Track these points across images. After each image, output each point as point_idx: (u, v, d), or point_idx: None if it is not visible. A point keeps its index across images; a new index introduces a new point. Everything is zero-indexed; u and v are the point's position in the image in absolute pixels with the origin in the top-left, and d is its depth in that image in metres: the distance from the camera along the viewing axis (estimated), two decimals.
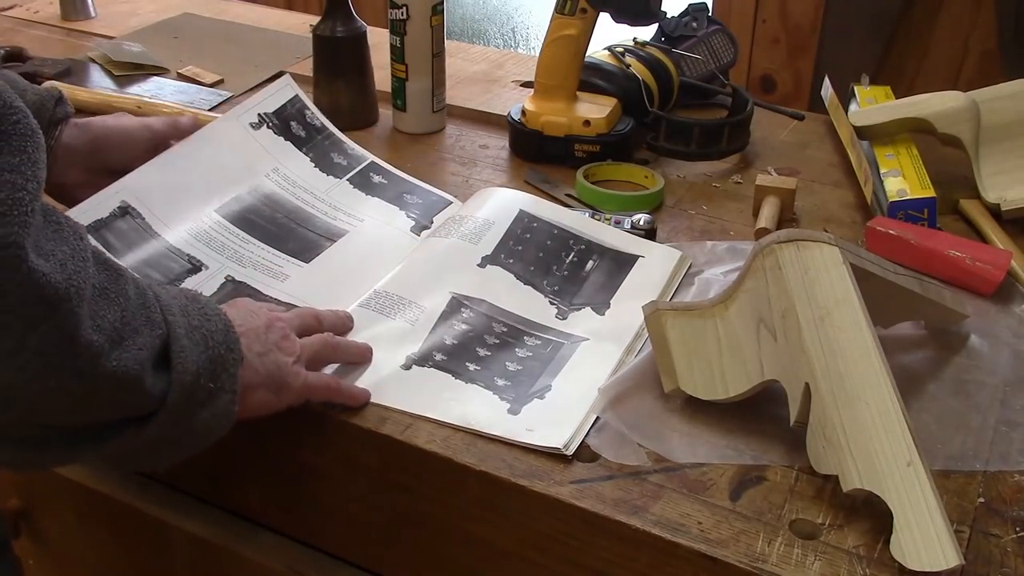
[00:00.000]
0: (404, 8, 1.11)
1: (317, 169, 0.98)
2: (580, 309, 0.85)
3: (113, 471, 0.90)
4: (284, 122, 0.99)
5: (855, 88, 1.18)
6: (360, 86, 1.16)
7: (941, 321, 0.83)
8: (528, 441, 0.70)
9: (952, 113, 1.02)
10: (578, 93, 1.11)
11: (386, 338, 0.80)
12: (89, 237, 0.58)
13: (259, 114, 0.98)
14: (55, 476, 0.91)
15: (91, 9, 1.55)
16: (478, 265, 0.87)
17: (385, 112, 1.20)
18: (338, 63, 1.14)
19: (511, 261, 0.88)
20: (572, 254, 0.90)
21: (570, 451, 0.70)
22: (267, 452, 0.79)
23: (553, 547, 0.69)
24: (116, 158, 0.87)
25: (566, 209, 0.97)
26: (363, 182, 0.99)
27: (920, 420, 0.72)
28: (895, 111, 1.05)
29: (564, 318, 0.84)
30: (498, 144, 1.16)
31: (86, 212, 0.83)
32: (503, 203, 0.95)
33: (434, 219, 0.97)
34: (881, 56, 1.49)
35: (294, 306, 0.82)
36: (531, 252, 0.90)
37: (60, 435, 0.59)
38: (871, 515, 0.64)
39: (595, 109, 1.09)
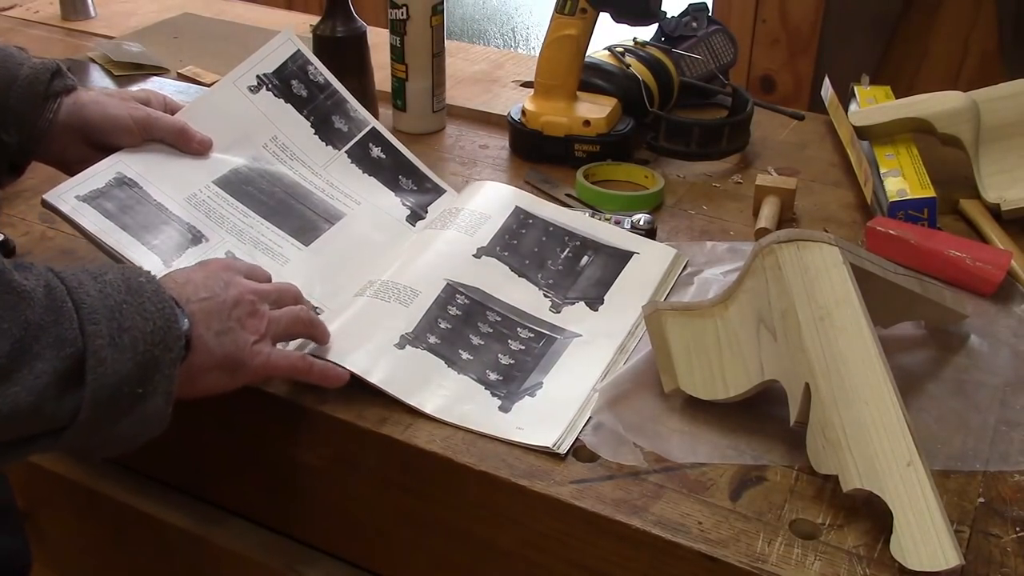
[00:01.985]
0: (404, 8, 1.11)
1: (317, 137, 0.96)
2: (574, 303, 0.85)
3: (111, 470, 0.90)
4: (285, 82, 0.96)
5: (855, 88, 1.18)
6: (360, 86, 1.16)
7: (941, 321, 0.83)
8: (518, 440, 0.71)
9: (952, 113, 1.02)
10: (578, 93, 1.11)
11: (381, 317, 0.80)
12: None
13: (258, 76, 0.95)
14: (55, 476, 0.91)
15: (91, 9, 1.55)
16: (473, 255, 0.88)
17: (385, 112, 1.20)
18: (338, 63, 1.14)
19: (506, 254, 0.89)
20: (567, 250, 0.91)
21: (562, 450, 0.70)
22: (267, 451, 0.79)
23: (553, 547, 0.69)
24: (111, 142, 0.86)
25: (561, 207, 0.97)
26: (362, 155, 0.98)
27: (920, 420, 0.72)
28: (895, 111, 1.05)
29: (558, 311, 0.84)
30: (498, 144, 1.16)
31: (83, 183, 0.82)
32: (499, 198, 0.95)
33: (429, 208, 0.97)
34: (881, 56, 1.49)
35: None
36: (526, 246, 0.90)
37: None
38: (871, 515, 0.64)
39: (595, 109, 1.09)
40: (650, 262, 0.91)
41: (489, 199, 0.95)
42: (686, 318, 0.74)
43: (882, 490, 0.61)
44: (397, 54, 1.14)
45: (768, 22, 1.56)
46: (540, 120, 1.09)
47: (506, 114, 1.14)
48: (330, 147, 0.96)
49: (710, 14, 1.25)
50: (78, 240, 0.87)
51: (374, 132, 1.00)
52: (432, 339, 0.79)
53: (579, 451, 0.70)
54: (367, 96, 1.18)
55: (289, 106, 0.96)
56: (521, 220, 0.93)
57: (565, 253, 0.90)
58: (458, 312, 0.82)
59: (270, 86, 0.95)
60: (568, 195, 1.03)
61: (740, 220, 1.00)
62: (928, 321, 0.83)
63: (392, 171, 0.98)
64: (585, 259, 0.90)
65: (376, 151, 0.99)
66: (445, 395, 0.75)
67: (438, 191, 0.99)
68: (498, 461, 0.69)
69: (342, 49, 1.14)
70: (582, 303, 0.85)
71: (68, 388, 0.58)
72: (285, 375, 0.72)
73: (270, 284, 0.75)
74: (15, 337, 0.55)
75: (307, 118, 0.96)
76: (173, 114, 0.90)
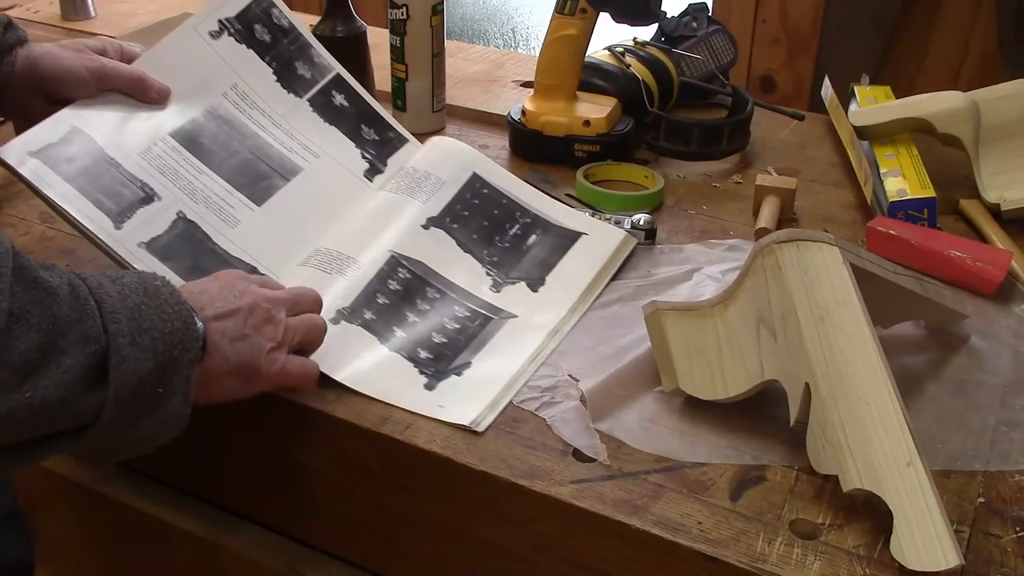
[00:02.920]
0: (404, 8, 1.11)
1: (279, 84, 0.94)
2: (515, 283, 0.86)
3: (111, 470, 0.90)
4: (247, 26, 0.93)
5: (855, 88, 1.18)
6: (360, 86, 1.16)
7: (941, 321, 0.83)
8: (437, 417, 0.72)
9: (952, 113, 1.02)
10: (578, 93, 1.11)
11: (321, 291, 0.80)
12: (13, 255, 0.56)
13: (220, 20, 0.92)
14: (55, 476, 0.91)
15: (91, 9, 1.55)
16: (422, 226, 0.88)
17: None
18: (338, 63, 1.14)
19: (455, 226, 0.89)
20: (516, 226, 0.91)
21: (479, 428, 0.71)
22: (267, 452, 0.79)
23: (553, 547, 0.69)
24: (67, 94, 0.85)
25: (518, 179, 0.98)
26: (324, 103, 0.96)
27: (920, 420, 0.72)
28: (895, 111, 1.05)
29: (498, 291, 0.85)
30: (498, 144, 1.15)
31: (36, 137, 0.80)
32: (458, 162, 0.95)
33: (389, 161, 0.96)
34: (881, 56, 1.49)
35: (249, 266, 0.82)
36: (476, 220, 0.91)
37: None
38: (871, 515, 0.64)
39: (595, 109, 1.09)
40: (597, 244, 0.91)
41: (447, 161, 0.95)
42: (686, 318, 0.74)
43: (882, 490, 0.61)
44: (397, 54, 1.14)
45: (768, 22, 1.56)
46: (540, 120, 1.09)
47: (506, 114, 1.14)
48: (292, 95, 0.94)
49: (710, 14, 1.25)
50: (78, 240, 0.87)
51: (338, 79, 0.98)
52: (368, 315, 0.80)
53: (578, 451, 0.70)
54: None
55: (251, 52, 0.93)
56: (476, 189, 0.93)
57: (514, 230, 0.91)
58: (398, 287, 0.82)
59: (232, 31, 0.93)
60: (568, 195, 1.03)
61: (740, 220, 1.00)
62: (928, 321, 0.83)
63: (354, 120, 0.97)
64: (533, 238, 0.91)
65: (339, 98, 0.97)
66: (370, 370, 0.75)
67: (401, 140, 0.98)
68: (498, 461, 0.69)
69: (342, 49, 1.13)
70: (523, 283, 0.86)
71: (93, 385, 0.58)
72: (298, 384, 0.72)
73: (286, 291, 0.74)
74: (44, 331, 0.55)
75: (269, 64, 0.94)
76: (130, 63, 0.88)
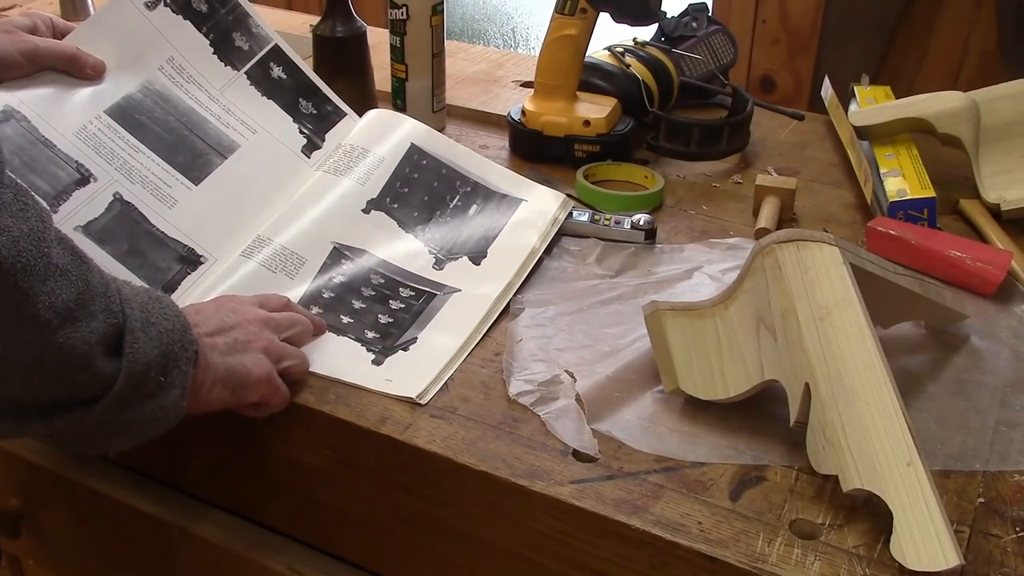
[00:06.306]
0: (404, 8, 1.11)
1: (216, 57, 0.93)
2: (457, 259, 0.87)
3: (112, 470, 0.90)
4: None
5: (855, 88, 1.18)
6: (360, 86, 1.16)
7: (941, 321, 0.83)
8: (384, 391, 0.73)
9: (952, 113, 1.02)
10: (578, 93, 1.11)
11: (268, 288, 0.82)
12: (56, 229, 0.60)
13: None
14: (55, 476, 0.91)
15: (91, 9, 1.55)
16: (362, 211, 0.89)
17: None
18: (338, 63, 1.14)
19: (395, 206, 0.90)
20: (457, 197, 0.92)
21: (423, 400, 0.73)
22: (267, 452, 0.79)
23: (553, 547, 0.69)
24: (2, 78, 0.84)
25: (454, 142, 0.99)
26: (262, 76, 0.95)
27: (920, 420, 0.72)
28: (895, 111, 1.05)
29: (440, 268, 0.86)
30: (498, 144, 1.16)
31: None
32: (396, 135, 0.96)
33: (327, 136, 0.96)
34: (881, 56, 1.49)
35: (187, 247, 0.83)
36: (416, 196, 0.91)
37: (11, 408, 0.60)
38: (871, 515, 0.64)
39: (595, 109, 1.09)
40: (536, 212, 0.93)
41: (384, 136, 0.95)
42: (686, 318, 0.74)
43: (882, 490, 0.61)
44: (397, 54, 1.14)
45: (768, 22, 1.56)
46: (540, 120, 1.09)
47: (506, 114, 1.14)
48: (229, 68, 0.93)
49: (710, 14, 1.25)
50: None
51: (276, 50, 0.97)
52: (315, 309, 0.81)
53: (578, 451, 0.70)
54: (367, 96, 1.18)
55: (188, 23, 0.92)
56: (414, 161, 0.93)
57: (455, 202, 0.92)
58: (343, 278, 0.84)
59: (168, 1, 0.91)
60: (568, 195, 1.03)
61: (740, 220, 1.00)
62: (928, 321, 0.83)
63: (292, 93, 0.96)
64: (474, 208, 0.92)
65: (277, 71, 0.96)
66: (317, 352, 0.77)
67: (339, 113, 0.99)
68: (498, 461, 0.69)
69: (342, 49, 1.14)
70: (465, 258, 0.87)
71: (109, 355, 0.61)
72: (278, 400, 0.74)
73: (282, 314, 0.77)
74: (79, 290, 0.59)
75: (206, 36, 0.93)
76: (62, 37, 0.88)
